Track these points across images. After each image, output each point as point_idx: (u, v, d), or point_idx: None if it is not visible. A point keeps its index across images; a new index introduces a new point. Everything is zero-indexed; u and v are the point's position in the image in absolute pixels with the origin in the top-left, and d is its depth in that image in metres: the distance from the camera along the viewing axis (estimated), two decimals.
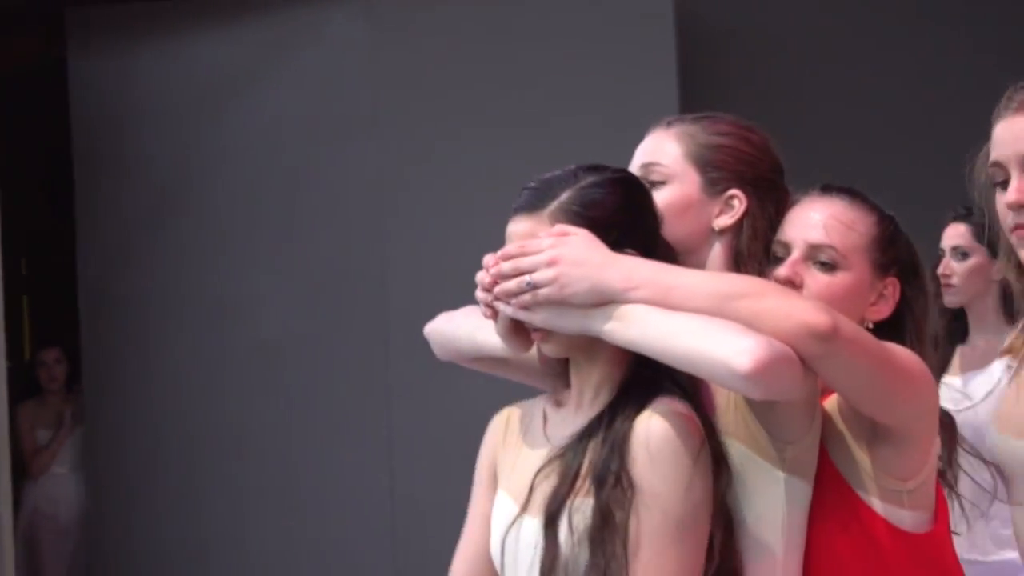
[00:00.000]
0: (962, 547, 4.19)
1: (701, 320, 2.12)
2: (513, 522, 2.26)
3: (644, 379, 2.23)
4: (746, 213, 2.39)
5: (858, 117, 6.36)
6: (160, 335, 6.65)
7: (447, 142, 6.16)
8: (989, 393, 4.20)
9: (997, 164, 2.22)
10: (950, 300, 4.34)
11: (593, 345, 2.25)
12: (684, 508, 2.14)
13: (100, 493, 6.83)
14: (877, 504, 2.29)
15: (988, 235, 4.23)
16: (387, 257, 6.24)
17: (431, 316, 2.62)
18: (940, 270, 4.33)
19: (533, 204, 2.25)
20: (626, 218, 2.25)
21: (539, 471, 2.23)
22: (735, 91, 6.03)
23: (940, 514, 2.37)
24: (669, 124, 2.46)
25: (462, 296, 2.52)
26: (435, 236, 6.12)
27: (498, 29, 6.17)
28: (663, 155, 2.41)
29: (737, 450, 2.24)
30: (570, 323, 2.20)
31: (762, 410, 2.23)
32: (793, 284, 2.34)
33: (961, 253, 4.32)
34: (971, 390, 4.27)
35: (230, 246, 6.52)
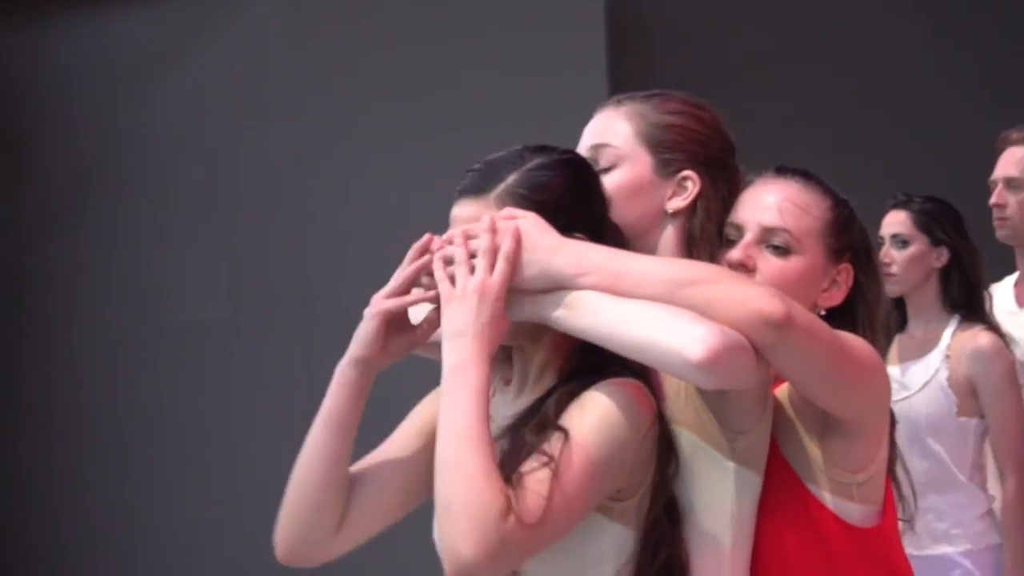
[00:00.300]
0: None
1: (653, 308, 2.06)
2: None
3: (591, 364, 2.16)
4: (699, 195, 2.33)
5: (790, 105, 6.32)
6: (78, 315, 6.57)
7: (369, 124, 6.12)
8: (926, 383, 4.16)
9: None
10: (890, 289, 4.30)
11: (538, 330, 2.19)
12: (600, 452, 2.07)
13: (17, 479, 6.73)
14: (827, 497, 2.24)
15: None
16: (308, 239, 6.20)
17: (352, 299, 2.54)
18: (879, 257, 4.26)
19: (478, 187, 2.19)
20: (574, 201, 2.19)
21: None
22: (664, 82, 5.97)
23: (888, 508, 2.33)
24: (619, 102, 2.40)
25: (383, 279, 2.44)
26: (357, 219, 6.06)
27: (424, 12, 6.13)
28: (613, 135, 2.35)
29: (687, 439, 2.19)
30: (518, 310, 2.13)
31: (713, 399, 2.18)
32: (745, 267, 2.29)
33: (901, 241, 4.27)
34: (908, 380, 4.22)
35: (149, 226, 6.46)
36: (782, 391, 2.28)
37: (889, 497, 2.33)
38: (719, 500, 2.18)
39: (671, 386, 2.22)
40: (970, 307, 4.20)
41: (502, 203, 2.17)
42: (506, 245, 2.11)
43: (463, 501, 1.98)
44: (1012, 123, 4.38)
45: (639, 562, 2.14)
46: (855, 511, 2.26)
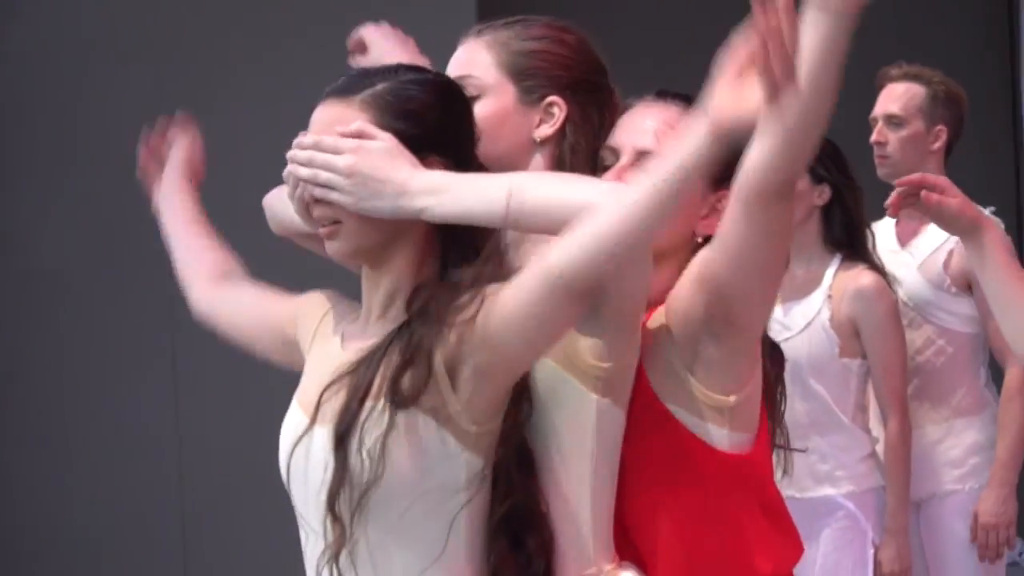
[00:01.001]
0: (780, 484, 4.13)
1: (542, 174, 2.13)
2: (303, 435, 2.15)
3: (446, 291, 2.13)
4: (567, 120, 2.30)
5: (659, 37, 6.33)
6: None
7: (227, 66, 6.06)
8: (808, 324, 4.14)
9: None
10: None
11: (385, 251, 2.16)
12: None
13: None
14: (696, 423, 2.23)
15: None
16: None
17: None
18: None
19: (347, 88, 2.18)
20: (440, 121, 2.17)
21: (328, 386, 2.13)
22: (536, 7, 5.95)
23: (762, 438, 2.31)
24: (480, 32, 2.37)
25: (244, 225, 2.36)
26: (217, 160, 5.95)
27: None
28: (475, 67, 2.32)
29: (549, 370, 2.16)
30: (383, 203, 2.10)
31: (582, 325, 2.14)
32: None
33: None
34: (790, 320, 4.21)
35: (3, 169, 6.32)
36: (652, 321, 2.24)
37: (764, 428, 2.31)
38: (580, 434, 2.16)
39: None
40: (852, 246, 4.19)
41: (367, 108, 2.15)
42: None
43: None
44: (892, 60, 4.36)
45: (488, 502, 2.13)
46: (725, 438, 2.23)
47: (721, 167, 2.18)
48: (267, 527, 4.93)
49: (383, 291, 2.18)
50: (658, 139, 2.27)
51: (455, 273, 2.14)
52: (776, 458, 2.50)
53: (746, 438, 2.26)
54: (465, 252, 2.15)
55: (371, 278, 2.20)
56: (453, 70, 2.33)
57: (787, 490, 4.09)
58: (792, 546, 2.34)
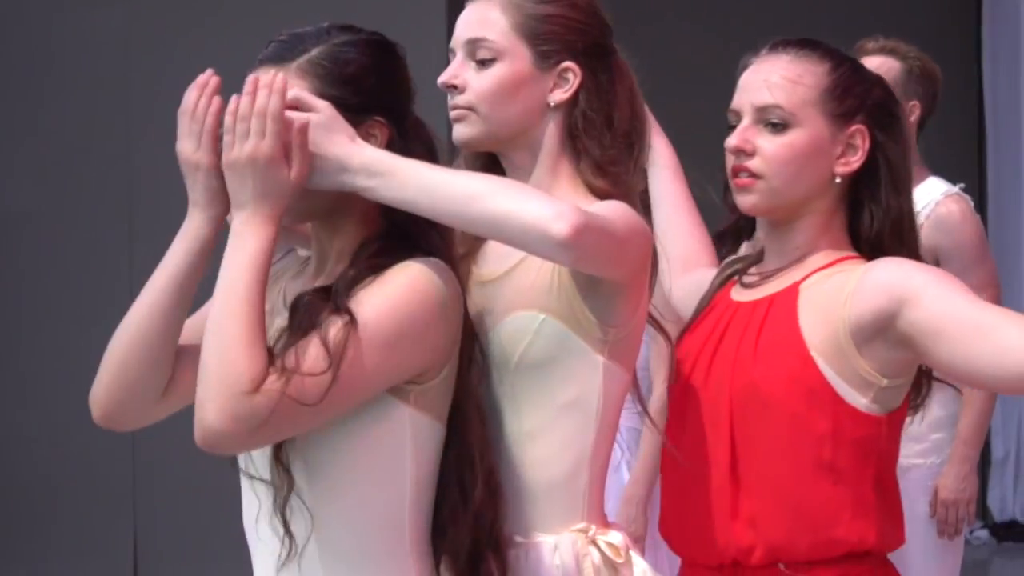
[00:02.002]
0: None
1: (492, 181, 2.11)
2: None
3: (390, 249, 2.12)
4: (581, 86, 2.31)
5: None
6: None
7: (196, 7, 6.09)
8: None
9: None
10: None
11: (334, 214, 2.15)
12: (390, 330, 2.04)
13: None
14: (837, 381, 2.28)
15: None
16: (133, 126, 6.13)
17: (177, 187, 2.44)
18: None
19: (280, 55, 2.14)
20: (377, 82, 2.16)
21: (274, 343, 2.09)
22: None
23: (896, 419, 2.36)
24: None
25: None
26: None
27: None
28: (490, 29, 2.31)
29: (557, 331, 2.22)
30: (321, 178, 2.09)
31: (590, 290, 2.20)
32: (744, 152, 2.33)
33: None
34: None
35: None
36: (832, 279, 2.31)
37: (900, 415, 2.36)
38: (585, 393, 2.23)
39: (542, 278, 2.23)
40: None
41: (303, 75, 2.12)
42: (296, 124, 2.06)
43: (215, 366, 1.96)
44: (862, 33, 4.34)
45: (437, 458, 2.13)
46: (863, 406, 2.28)
47: (848, 101, 2.27)
48: (220, 471, 4.91)
49: (335, 251, 2.18)
50: (771, 91, 2.32)
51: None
52: None
53: (884, 417, 2.32)
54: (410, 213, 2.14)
55: (321, 237, 2.19)
56: (466, 30, 2.32)
57: None
58: (895, 529, 2.38)
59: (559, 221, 2.02)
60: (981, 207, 6.59)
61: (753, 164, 2.32)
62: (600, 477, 2.29)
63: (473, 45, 2.30)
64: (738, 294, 2.42)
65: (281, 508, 2.09)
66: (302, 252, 2.28)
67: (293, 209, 2.10)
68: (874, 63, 4.20)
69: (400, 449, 2.10)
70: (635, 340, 2.28)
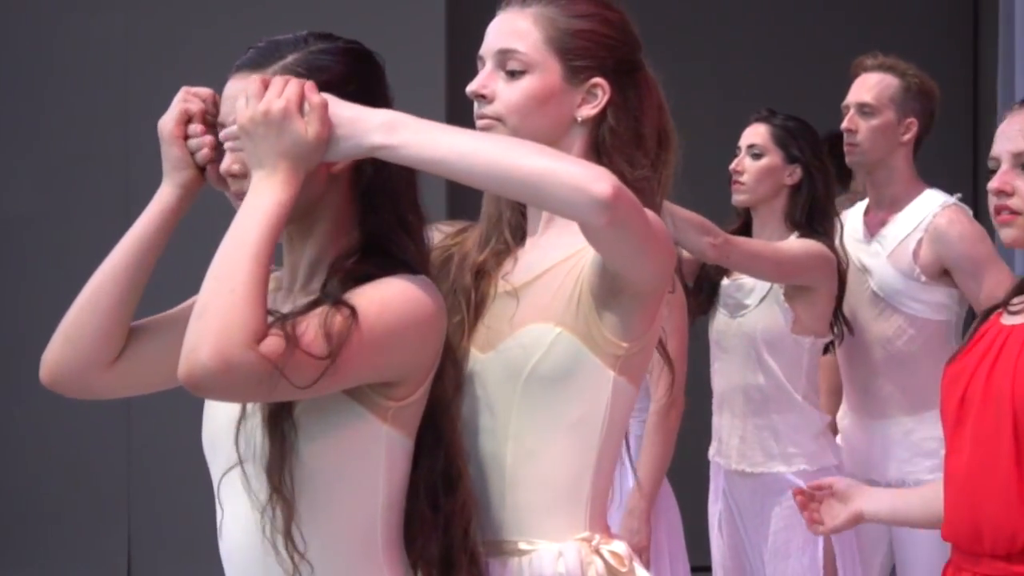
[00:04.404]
0: (731, 457, 4.16)
1: (526, 144, 2.07)
2: (241, 419, 2.12)
3: (373, 263, 2.10)
4: (609, 102, 2.31)
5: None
6: None
7: (195, 12, 6.06)
8: (763, 298, 4.17)
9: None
10: (738, 199, 4.33)
11: (309, 217, 2.13)
12: (382, 328, 2.03)
13: None
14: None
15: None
16: (133, 127, 6.09)
17: None
18: (733, 166, 4.31)
19: (257, 62, 2.14)
20: (355, 90, 2.12)
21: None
22: None
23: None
24: (524, 3, 2.34)
25: None
26: None
27: None
28: (522, 41, 2.30)
29: (571, 345, 2.23)
30: (340, 145, 2.04)
31: (607, 303, 2.21)
32: (1005, 193, 2.63)
33: (755, 153, 4.29)
34: (744, 295, 4.27)
35: None
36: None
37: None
38: (594, 407, 2.25)
39: (564, 291, 2.24)
40: (810, 227, 4.20)
41: None
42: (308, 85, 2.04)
43: (217, 311, 1.93)
44: (859, 49, 4.37)
45: (408, 470, 2.14)
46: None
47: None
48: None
49: (306, 261, 2.16)
50: None
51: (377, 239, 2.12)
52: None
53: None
54: (387, 221, 2.14)
55: (295, 244, 2.17)
56: (497, 41, 2.31)
57: (738, 464, 4.17)
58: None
59: (600, 181, 2.01)
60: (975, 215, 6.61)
61: (1013, 203, 2.62)
62: (604, 488, 2.30)
63: (504, 56, 2.30)
64: (1007, 319, 2.68)
65: (284, 530, 2.08)
66: (275, 272, 2.23)
67: None
68: (872, 79, 4.24)
69: (375, 465, 2.11)
70: (647, 355, 2.29)
